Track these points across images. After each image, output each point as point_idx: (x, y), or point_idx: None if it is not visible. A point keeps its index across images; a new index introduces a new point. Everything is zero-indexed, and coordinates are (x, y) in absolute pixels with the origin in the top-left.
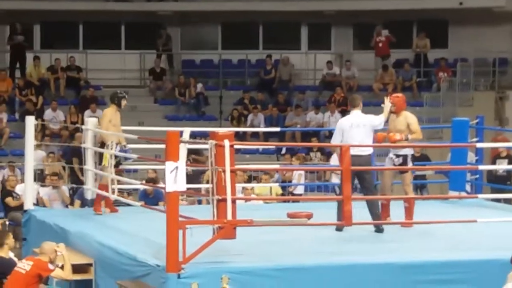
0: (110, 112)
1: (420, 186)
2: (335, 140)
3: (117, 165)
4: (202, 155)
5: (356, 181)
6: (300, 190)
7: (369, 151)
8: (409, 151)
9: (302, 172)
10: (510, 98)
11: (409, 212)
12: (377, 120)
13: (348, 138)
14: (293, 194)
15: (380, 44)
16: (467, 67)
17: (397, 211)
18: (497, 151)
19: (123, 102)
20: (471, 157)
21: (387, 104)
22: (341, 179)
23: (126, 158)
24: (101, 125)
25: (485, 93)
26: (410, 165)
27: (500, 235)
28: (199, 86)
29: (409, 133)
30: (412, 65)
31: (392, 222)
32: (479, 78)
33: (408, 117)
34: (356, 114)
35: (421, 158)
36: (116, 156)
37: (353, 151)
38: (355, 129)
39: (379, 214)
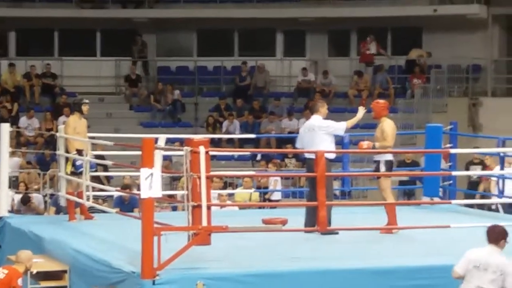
0: (73, 121)
1: (408, 193)
2: (297, 145)
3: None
4: None
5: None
6: (277, 196)
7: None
8: (382, 158)
9: (278, 178)
10: (483, 104)
11: (388, 218)
12: (333, 126)
13: (300, 142)
14: (270, 200)
15: (367, 52)
16: (441, 73)
17: (381, 216)
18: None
19: (85, 108)
20: (443, 163)
21: (360, 111)
22: (311, 185)
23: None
24: (66, 134)
25: (458, 100)
26: (382, 171)
27: (473, 241)
28: (176, 93)
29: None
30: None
31: (367, 228)
32: (452, 85)
33: (384, 124)
34: (312, 119)
35: (412, 165)
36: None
37: (307, 154)
38: (307, 133)
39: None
